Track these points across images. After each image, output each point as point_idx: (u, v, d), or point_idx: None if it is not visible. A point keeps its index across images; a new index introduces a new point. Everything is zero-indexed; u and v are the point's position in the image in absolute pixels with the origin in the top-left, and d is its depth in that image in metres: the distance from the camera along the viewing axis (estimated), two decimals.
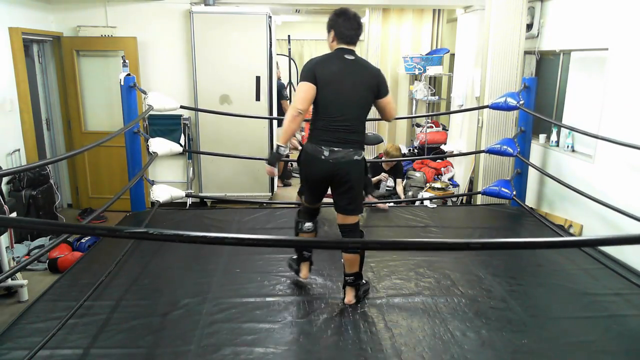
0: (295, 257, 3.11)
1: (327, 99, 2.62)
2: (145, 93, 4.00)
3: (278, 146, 2.65)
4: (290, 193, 6.30)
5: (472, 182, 5.35)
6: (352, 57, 2.66)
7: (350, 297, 2.84)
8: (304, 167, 2.79)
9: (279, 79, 6.68)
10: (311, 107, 2.71)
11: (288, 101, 6.61)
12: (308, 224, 2.91)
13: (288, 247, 3.44)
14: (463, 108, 5.61)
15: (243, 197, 5.47)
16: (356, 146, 2.68)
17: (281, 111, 6.12)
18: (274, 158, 2.74)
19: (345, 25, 2.64)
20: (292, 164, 6.96)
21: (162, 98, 4.04)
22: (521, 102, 4.24)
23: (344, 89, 2.62)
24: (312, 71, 2.60)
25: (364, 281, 2.92)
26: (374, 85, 2.68)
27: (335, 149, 2.62)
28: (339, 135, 2.63)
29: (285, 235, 3.61)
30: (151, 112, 3.94)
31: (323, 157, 2.63)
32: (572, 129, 3.92)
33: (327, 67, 2.63)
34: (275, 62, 6.61)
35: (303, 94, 2.59)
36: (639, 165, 3.45)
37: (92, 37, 5.19)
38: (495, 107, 4.41)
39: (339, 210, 2.80)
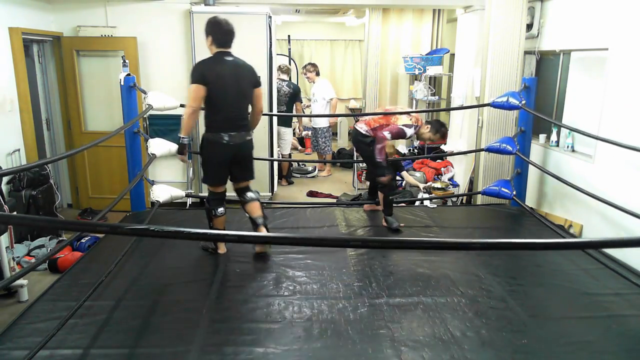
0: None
1: (219, 95, 3.17)
2: (145, 93, 3.99)
3: (180, 138, 3.26)
4: (291, 193, 6.30)
5: (472, 182, 5.35)
6: (230, 58, 3.22)
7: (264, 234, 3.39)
8: (210, 152, 3.29)
9: (291, 81, 6.72)
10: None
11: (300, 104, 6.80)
12: (221, 209, 3.40)
13: (288, 245, 3.45)
14: (463, 106, 5.60)
15: None
16: (246, 129, 3.34)
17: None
18: (180, 147, 3.32)
19: (221, 31, 3.19)
20: (292, 164, 6.96)
21: (161, 97, 4.04)
22: (523, 102, 4.24)
23: (230, 85, 3.19)
24: (201, 74, 3.15)
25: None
26: (252, 79, 3.31)
27: (232, 133, 3.23)
28: (233, 123, 3.24)
29: (285, 234, 3.61)
30: (151, 112, 3.94)
31: (224, 141, 3.22)
32: (572, 129, 3.92)
33: (213, 69, 3.16)
34: (286, 64, 6.70)
35: (194, 93, 3.13)
36: (639, 165, 3.45)
37: (92, 37, 5.19)
38: (496, 105, 4.40)
39: (238, 180, 3.44)
